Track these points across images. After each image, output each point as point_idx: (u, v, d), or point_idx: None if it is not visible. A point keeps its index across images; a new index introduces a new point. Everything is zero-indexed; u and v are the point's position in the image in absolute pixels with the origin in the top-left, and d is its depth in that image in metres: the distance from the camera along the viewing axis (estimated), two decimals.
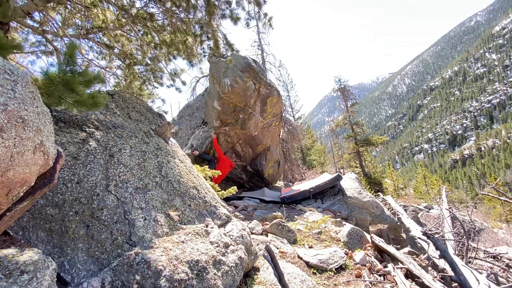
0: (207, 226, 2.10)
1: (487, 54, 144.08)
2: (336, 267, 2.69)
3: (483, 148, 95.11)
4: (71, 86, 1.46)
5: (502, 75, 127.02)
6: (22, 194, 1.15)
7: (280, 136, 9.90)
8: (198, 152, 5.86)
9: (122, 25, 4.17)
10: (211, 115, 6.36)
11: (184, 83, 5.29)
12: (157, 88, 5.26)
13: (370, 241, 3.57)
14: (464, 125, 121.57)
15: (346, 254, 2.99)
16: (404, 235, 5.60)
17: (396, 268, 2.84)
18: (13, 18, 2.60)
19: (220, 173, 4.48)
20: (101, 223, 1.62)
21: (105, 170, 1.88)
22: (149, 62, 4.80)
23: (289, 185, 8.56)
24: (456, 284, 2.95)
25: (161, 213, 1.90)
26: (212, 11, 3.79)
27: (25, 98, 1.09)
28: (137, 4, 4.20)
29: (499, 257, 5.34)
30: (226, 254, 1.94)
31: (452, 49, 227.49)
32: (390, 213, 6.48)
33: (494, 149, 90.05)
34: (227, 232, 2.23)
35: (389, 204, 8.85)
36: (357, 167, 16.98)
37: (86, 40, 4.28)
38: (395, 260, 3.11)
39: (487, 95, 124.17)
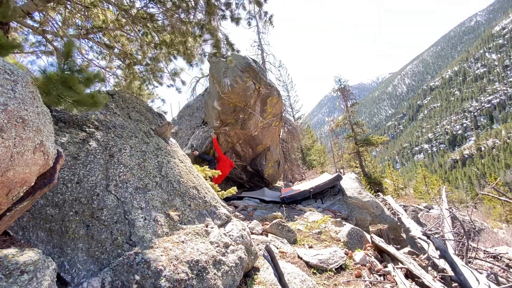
0: (207, 226, 2.10)
1: (487, 54, 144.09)
2: (336, 267, 2.69)
3: (483, 148, 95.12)
4: (69, 84, 1.45)
5: (502, 75, 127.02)
6: (22, 194, 1.15)
7: (280, 136, 9.90)
8: (198, 152, 5.86)
9: (122, 25, 4.17)
10: (211, 115, 6.36)
11: (184, 82, 5.29)
12: (157, 87, 5.26)
13: (370, 241, 3.57)
14: (464, 125, 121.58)
15: (346, 254, 2.99)
16: (404, 235, 5.60)
17: (396, 268, 2.84)
18: (13, 18, 2.60)
19: (220, 173, 4.48)
20: (101, 223, 1.62)
21: (105, 170, 1.88)
22: (149, 62, 4.80)
23: (289, 185, 8.56)
24: (456, 284, 2.95)
25: (161, 213, 1.90)
26: (213, 11, 3.79)
27: (25, 98, 1.09)
28: (137, 4, 4.20)
29: (499, 257, 5.34)
30: (226, 254, 1.94)
31: (452, 49, 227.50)
32: (390, 213, 6.48)
33: (494, 149, 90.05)
34: (227, 232, 2.23)
35: (389, 204, 8.85)
36: (357, 167, 16.98)
37: (86, 40, 4.28)
38: (395, 260, 3.11)
39: (487, 95, 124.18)
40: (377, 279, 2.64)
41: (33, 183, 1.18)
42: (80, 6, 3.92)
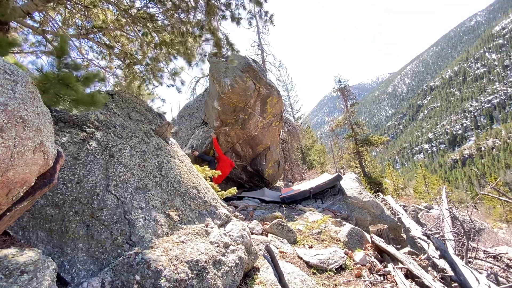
0: (207, 226, 2.10)
1: (487, 54, 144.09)
2: (336, 267, 2.69)
3: (483, 148, 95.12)
4: (66, 82, 1.45)
5: (502, 75, 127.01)
6: (22, 194, 1.15)
7: (280, 136, 9.90)
8: (198, 153, 5.86)
9: (122, 25, 4.17)
10: (211, 115, 6.36)
11: (183, 83, 5.29)
12: (157, 87, 5.27)
13: (370, 241, 3.57)
14: (464, 125, 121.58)
15: (346, 254, 2.99)
16: (404, 235, 5.60)
17: (396, 268, 2.84)
18: (13, 18, 2.60)
19: (220, 173, 4.48)
20: (101, 223, 1.62)
21: (105, 170, 1.88)
22: (149, 62, 4.80)
23: (289, 185, 8.56)
24: (456, 284, 2.95)
25: (161, 213, 1.90)
26: (213, 12, 3.79)
27: (25, 98, 1.09)
28: (137, 4, 4.20)
29: (499, 257, 5.33)
30: (226, 254, 1.94)
31: (452, 49, 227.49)
32: (390, 213, 6.48)
33: (494, 149, 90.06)
34: (227, 232, 2.23)
35: (389, 204, 8.85)
36: (357, 167, 16.98)
37: (86, 40, 4.28)
38: (395, 260, 3.11)
39: (487, 95, 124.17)
40: (377, 279, 2.64)
41: (33, 183, 1.18)
42: (80, 6, 3.92)
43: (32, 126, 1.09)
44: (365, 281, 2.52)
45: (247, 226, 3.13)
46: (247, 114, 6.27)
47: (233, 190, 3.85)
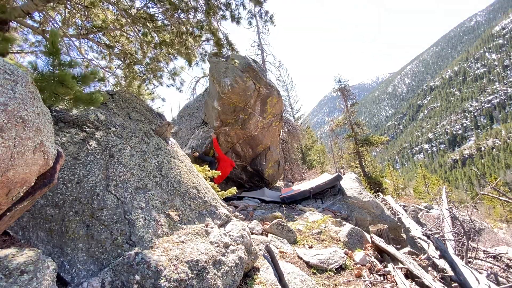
0: (207, 226, 2.10)
1: (487, 54, 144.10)
2: (336, 267, 2.69)
3: (483, 148, 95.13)
4: (61, 80, 1.44)
5: (502, 75, 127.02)
6: (22, 194, 1.15)
7: (280, 136, 9.90)
8: (198, 154, 5.86)
9: (122, 25, 4.17)
10: (211, 115, 6.36)
11: (182, 83, 5.29)
12: (157, 87, 5.27)
13: (370, 241, 3.57)
14: (464, 125, 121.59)
15: (346, 254, 2.99)
16: (404, 235, 5.60)
17: (396, 268, 2.84)
18: (13, 17, 2.60)
19: (220, 173, 4.47)
20: (101, 223, 1.62)
21: (105, 170, 1.88)
22: (149, 62, 4.80)
23: (289, 185, 8.56)
24: (456, 284, 2.95)
25: (161, 213, 1.90)
26: (213, 11, 3.79)
27: (25, 98, 1.09)
28: (137, 4, 4.20)
29: (499, 257, 5.33)
30: (226, 254, 1.94)
31: (452, 49, 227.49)
32: (390, 213, 6.48)
33: (494, 149, 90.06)
34: (227, 232, 2.23)
35: (389, 204, 8.85)
36: (357, 167, 16.97)
37: (86, 40, 4.28)
38: (395, 260, 3.11)
39: (487, 95, 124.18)
40: (377, 279, 2.64)
41: (33, 183, 1.18)
42: (80, 6, 3.92)
43: (32, 126, 1.09)
44: (365, 281, 2.52)
45: (247, 226, 3.13)
46: (247, 114, 6.27)
47: (233, 190, 3.85)
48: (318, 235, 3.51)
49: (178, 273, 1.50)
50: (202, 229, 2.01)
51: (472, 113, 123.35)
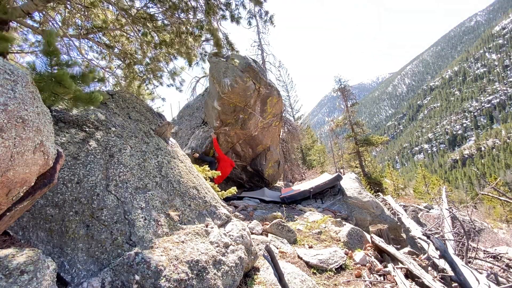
0: (207, 226, 2.10)
1: (487, 54, 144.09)
2: (336, 267, 2.68)
3: (483, 148, 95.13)
4: (59, 79, 1.44)
5: (502, 75, 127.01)
6: (22, 194, 1.15)
7: (280, 136, 9.90)
8: (198, 154, 5.86)
9: (122, 25, 4.17)
10: (211, 115, 6.36)
11: (182, 83, 5.30)
12: (157, 87, 5.27)
13: (370, 241, 3.57)
14: (464, 125, 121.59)
15: (346, 254, 2.99)
16: (404, 235, 5.60)
17: (396, 268, 2.84)
18: (13, 17, 2.60)
19: (220, 174, 4.47)
20: (101, 223, 1.62)
21: (105, 170, 1.88)
22: (149, 62, 4.80)
23: (289, 185, 8.56)
24: (456, 284, 2.95)
25: (161, 213, 1.90)
26: (213, 11, 3.79)
27: (25, 98, 1.09)
28: (137, 4, 4.21)
29: (499, 257, 5.33)
30: (226, 254, 1.94)
31: (452, 49, 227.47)
32: (390, 213, 6.48)
33: (494, 149, 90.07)
34: (227, 232, 2.23)
35: (389, 204, 8.85)
36: (357, 167, 16.97)
37: (86, 40, 4.28)
38: (395, 260, 3.11)
39: (487, 95, 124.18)
40: (377, 279, 2.64)
41: (33, 183, 1.18)
42: (80, 6, 3.92)
43: (32, 126, 1.09)
44: (365, 281, 2.52)
45: (247, 226, 3.13)
46: (247, 114, 6.27)
47: (233, 190, 3.85)
48: (318, 235, 3.51)
49: (178, 273, 1.50)
50: (202, 229, 2.01)
51: (472, 113, 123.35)
